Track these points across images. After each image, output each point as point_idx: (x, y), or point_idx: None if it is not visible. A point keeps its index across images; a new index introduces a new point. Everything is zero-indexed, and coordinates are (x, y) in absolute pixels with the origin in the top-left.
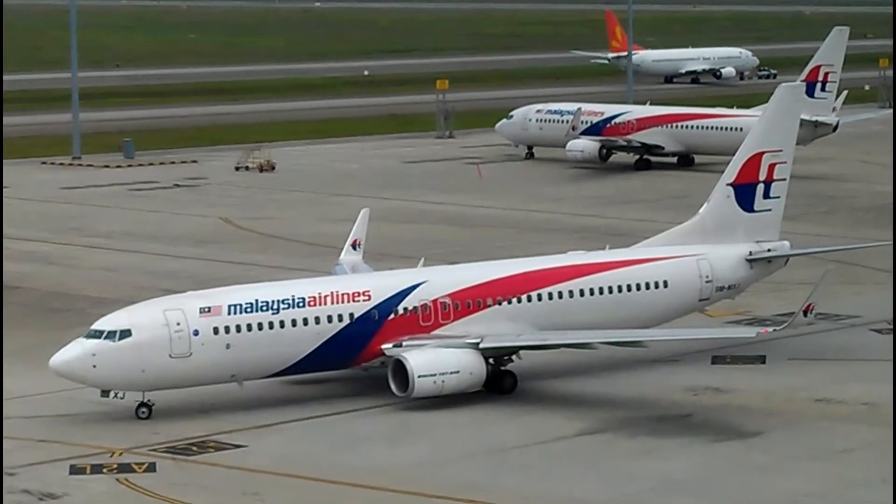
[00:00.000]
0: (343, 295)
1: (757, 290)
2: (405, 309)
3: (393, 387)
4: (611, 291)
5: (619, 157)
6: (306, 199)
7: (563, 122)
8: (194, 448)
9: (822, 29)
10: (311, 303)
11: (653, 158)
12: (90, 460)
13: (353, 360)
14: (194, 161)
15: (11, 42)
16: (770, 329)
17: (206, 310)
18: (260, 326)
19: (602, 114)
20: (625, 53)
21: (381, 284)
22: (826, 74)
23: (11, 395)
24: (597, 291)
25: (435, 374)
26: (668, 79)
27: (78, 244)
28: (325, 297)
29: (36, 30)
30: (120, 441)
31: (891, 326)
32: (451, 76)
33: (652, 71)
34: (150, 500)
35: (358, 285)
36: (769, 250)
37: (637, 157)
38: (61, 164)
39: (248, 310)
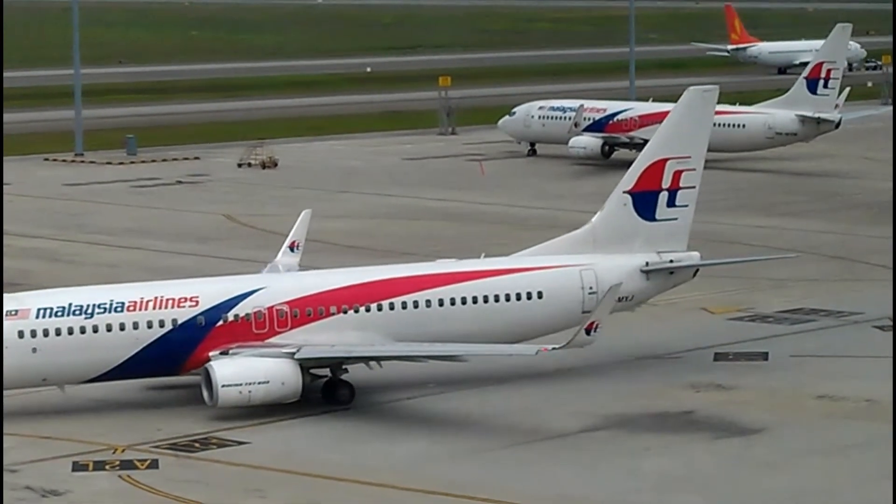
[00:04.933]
0: (167, 300)
1: (759, 286)
2: (236, 316)
3: (205, 395)
4: (475, 302)
5: (621, 153)
6: (308, 195)
7: (565, 118)
8: (197, 444)
9: (825, 26)
10: (131, 308)
11: None
12: (92, 457)
13: (181, 367)
14: (197, 158)
15: (14, 38)
16: (550, 348)
17: (13, 313)
18: (70, 331)
19: (604, 110)
20: (745, 45)
21: (211, 290)
22: (829, 71)
23: (13, 392)
24: (458, 301)
25: (241, 384)
26: (782, 70)
27: (80, 241)
28: (147, 302)
29: (38, 26)
30: (122, 438)
31: (892, 323)
32: (454, 73)
33: (768, 62)
34: (153, 496)
35: (186, 291)
36: (671, 261)
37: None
38: (64, 160)
39: (59, 314)
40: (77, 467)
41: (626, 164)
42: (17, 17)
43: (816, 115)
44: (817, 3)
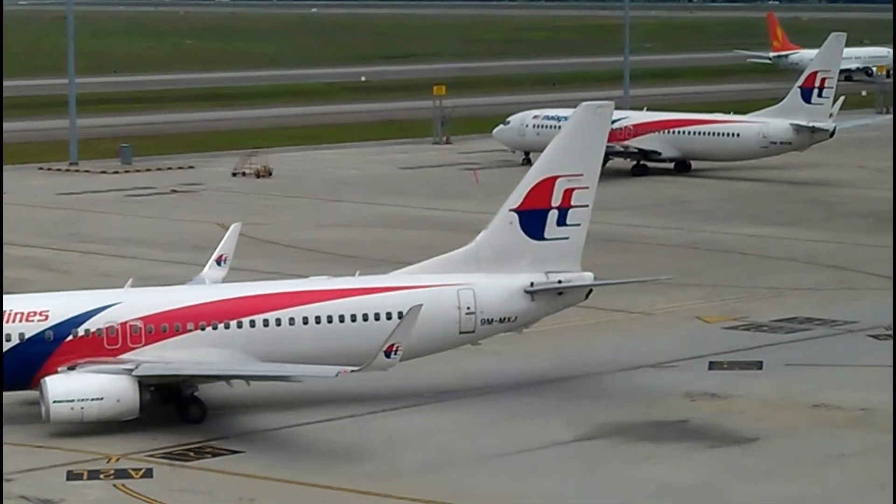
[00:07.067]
0: (16, 315)
1: (755, 295)
2: (87, 331)
3: (42, 411)
4: (342, 320)
5: (615, 162)
6: (303, 204)
7: (560, 127)
8: (191, 454)
9: (820, 35)
10: None
11: (649, 164)
12: (87, 466)
13: (30, 382)
14: (191, 167)
15: (9, 48)
16: (349, 370)
17: None
18: None
19: None
20: (786, 52)
21: (62, 305)
22: (823, 80)
23: (8, 401)
24: (324, 320)
25: (73, 400)
26: None
27: (75, 250)
28: None
29: (33, 36)
30: (117, 447)
31: (889, 332)
32: (448, 82)
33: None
34: None
35: (35, 305)
36: (559, 282)
37: (634, 162)
38: (58, 169)
39: None
40: (71, 476)
41: (620, 174)
42: (11, 26)
43: (811, 125)
44: (811, 13)
